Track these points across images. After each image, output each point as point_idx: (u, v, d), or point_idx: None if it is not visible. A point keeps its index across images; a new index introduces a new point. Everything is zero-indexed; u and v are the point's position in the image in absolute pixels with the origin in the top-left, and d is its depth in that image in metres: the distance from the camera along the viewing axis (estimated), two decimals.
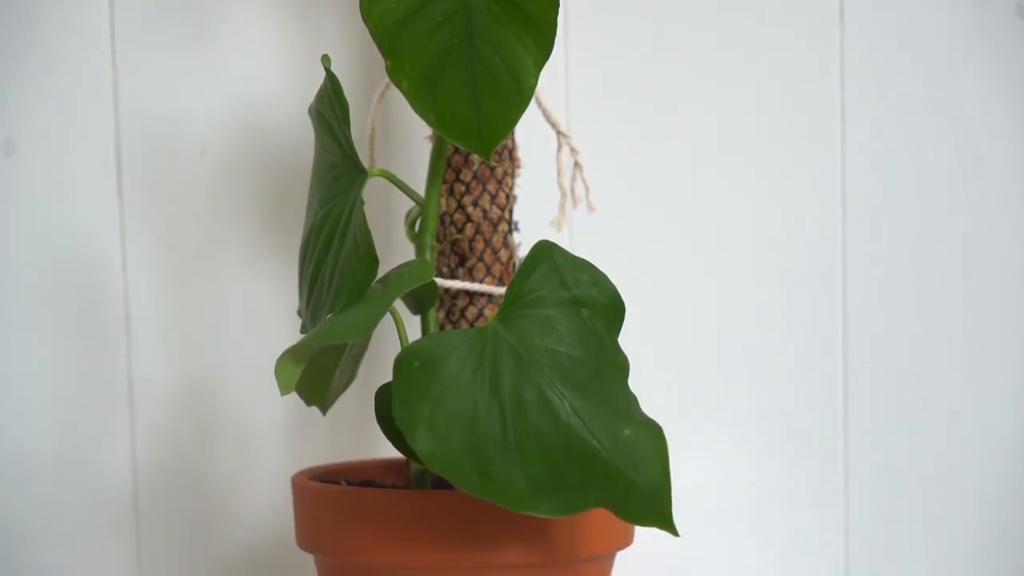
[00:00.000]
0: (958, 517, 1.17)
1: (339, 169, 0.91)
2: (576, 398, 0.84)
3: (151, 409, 1.16)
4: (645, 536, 0.93)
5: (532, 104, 0.88)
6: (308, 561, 0.97)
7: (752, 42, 1.16)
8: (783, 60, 1.16)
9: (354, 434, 1.16)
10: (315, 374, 0.90)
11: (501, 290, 1.00)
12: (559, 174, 1.04)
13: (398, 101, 1.13)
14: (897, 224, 1.17)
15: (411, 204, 0.94)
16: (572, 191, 1.05)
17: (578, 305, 0.87)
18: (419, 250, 0.93)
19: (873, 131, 1.16)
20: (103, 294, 1.16)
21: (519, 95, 0.86)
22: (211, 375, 1.17)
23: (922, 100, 1.16)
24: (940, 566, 1.17)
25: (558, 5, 0.87)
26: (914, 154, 1.16)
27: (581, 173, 1.04)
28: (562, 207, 1.05)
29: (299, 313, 0.93)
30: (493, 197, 1.01)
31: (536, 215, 1.07)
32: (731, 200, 1.17)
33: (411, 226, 0.94)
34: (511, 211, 1.02)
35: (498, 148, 1.01)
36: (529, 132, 1.04)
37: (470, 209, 1.01)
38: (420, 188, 0.93)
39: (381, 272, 0.88)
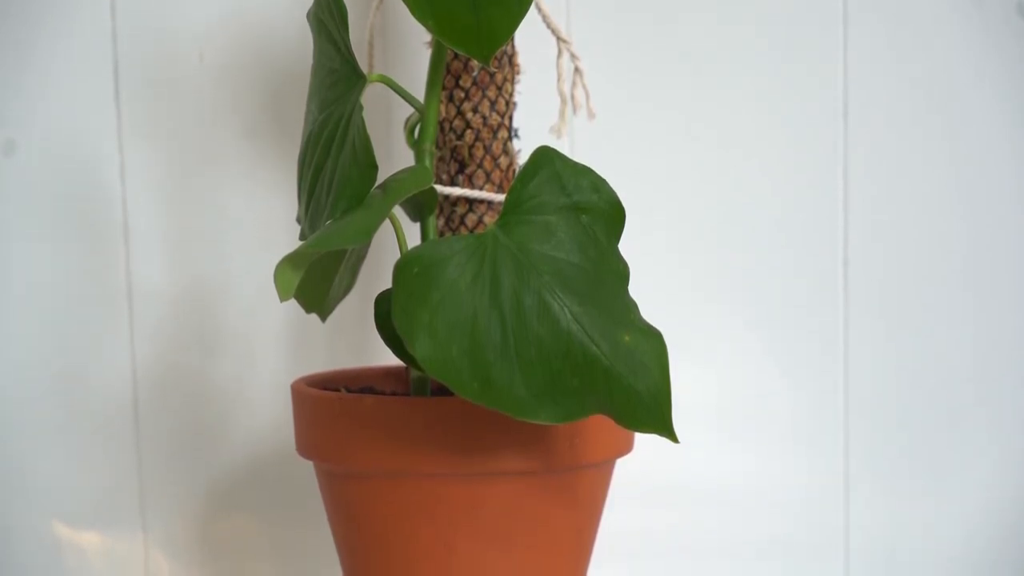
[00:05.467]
0: (959, 417, 1.18)
1: (338, 74, 0.90)
2: (576, 304, 0.84)
3: (151, 316, 1.16)
4: (645, 443, 0.94)
5: (532, 9, 0.88)
6: (308, 468, 0.97)
7: None
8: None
9: (354, 341, 1.16)
10: (314, 281, 0.90)
11: (500, 197, 1.00)
12: (559, 80, 1.03)
13: (397, 6, 1.12)
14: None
15: (410, 111, 0.93)
16: (572, 98, 1.04)
17: (578, 211, 0.86)
18: (418, 157, 0.92)
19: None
20: (102, 201, 1.15)
21: (519, 0, 0.85)
22: (210, 282, 1.16)
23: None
24: (938, 464, 1.18)
25: None
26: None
27: (581, 79, 1.04)
28: (562, 114, 1.05)
29: (298, 219, 0.93)
30: (493, 103, 1.00)
31: (536, 122, 1.06)
32: (733, 104, 1.16)
33: (410, 133, 0.93)
34: (511, 118, 1.02)
35: (498, 54, 1.00)
36: (529, 38, 1.03)
37: (470, 116, 1.00)
38: (419, 95, 0.92)
39: (380, 178, 0.87)
